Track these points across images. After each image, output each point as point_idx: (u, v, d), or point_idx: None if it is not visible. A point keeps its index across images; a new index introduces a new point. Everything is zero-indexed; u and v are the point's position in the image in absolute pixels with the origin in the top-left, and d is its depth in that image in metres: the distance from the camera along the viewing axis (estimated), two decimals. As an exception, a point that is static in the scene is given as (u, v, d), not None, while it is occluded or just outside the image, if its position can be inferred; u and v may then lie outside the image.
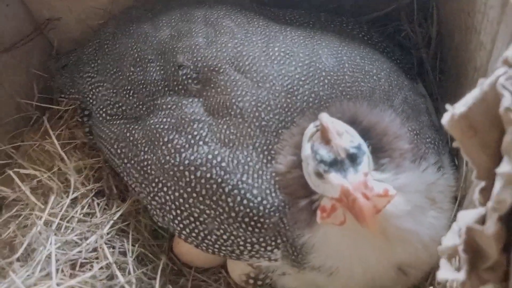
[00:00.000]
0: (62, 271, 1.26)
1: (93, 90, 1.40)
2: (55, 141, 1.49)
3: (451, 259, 0.86)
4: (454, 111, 0.71)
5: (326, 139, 0.91)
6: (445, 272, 0.77)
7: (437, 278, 0.75)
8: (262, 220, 1.07)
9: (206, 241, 1.15)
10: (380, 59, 1.20)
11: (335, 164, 0.90)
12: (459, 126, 0.72)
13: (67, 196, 1.42)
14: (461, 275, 0.76)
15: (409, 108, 1.13)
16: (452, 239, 0.82)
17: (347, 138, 0.92)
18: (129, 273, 1.27)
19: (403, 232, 0.99)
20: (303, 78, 1.12)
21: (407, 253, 1.01)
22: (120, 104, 1.32)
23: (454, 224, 0.83)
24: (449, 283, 0.99)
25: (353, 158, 0.90)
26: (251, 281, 1.20)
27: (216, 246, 1.14)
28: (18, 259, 1.31)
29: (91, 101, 1.41)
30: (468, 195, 1.07)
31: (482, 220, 0.76)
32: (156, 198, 1.19)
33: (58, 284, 1.21)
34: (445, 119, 0.72)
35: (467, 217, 0.79)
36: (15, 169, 1.48)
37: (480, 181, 0.76)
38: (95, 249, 1.31)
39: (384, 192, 0.92)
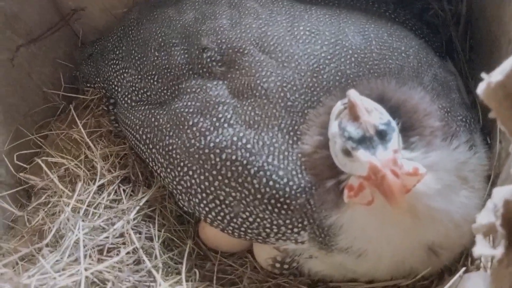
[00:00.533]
0: (90, 256, 1.27)
1: (118, 77, 1.41)
2: (82, 129, 1.51)
3: (486, 238, 0.83)
4: (490, 79, 0.68)
5: (354, 116, 0.89)
6: (482, 248, 0.74)
7: (473, 254, 0.73)
8: (288, 201, 1.06)
9: (232, 224, 1.14)
10: (408, 36, 1.17)
11: (364, 141, 0.88)
12: (495, 95, 0.69)
13: (94, 183, 1.43)
14: (499, 251, 0.73)
15: (439, 86, 1.10)
16: (487, 216, 0.79)
17: (376, 114, 0.90)
18: (156, 257, 1.27)
19: (433, 211, 0.96)
20: (329, 57, 1.10)
21: (437, 233, 0.99)
22: (145, 89, 1.32)
23: (489, 201, 0.81)
24: (484, 262, 0.96)
25: (382, 135, 0.88)
26: (278, 265, 1.19)
27: (242, 229, 1.13)
28: (47, 245, 1.32)
29: (116, 88, 1.41)
30: (502, 174, 1.03)
31: (520, 194, 0.73)
32: (182, 182, 1.19)
33: (86, 269, 1.22)
34: (481, 88, 0.69)
35: (503, 192, 0.76)
36: (43, 158, 1.50)
37: (517, 153, 0.74)
38: (122, 235, 1.31)
39: (414, 171, 0.89)
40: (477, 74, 1.29)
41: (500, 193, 0.75)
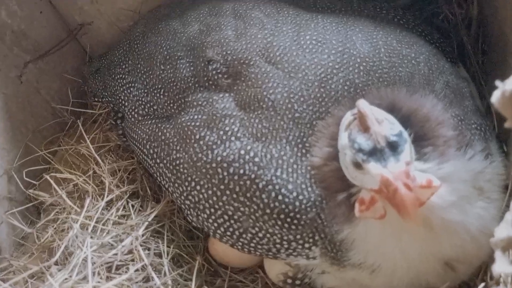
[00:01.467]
0: (99, 274, 1.25)
1: (125, 92, 1.40)
2: (90, 144, 1.50)
3: (506, 252, 0.79)
4: (505, 87, 0.65)
5: (364, 127, 0.86)
6: (501, 265, 0.71)
7: (493, 272, 0.69)
8: (298, 216, 1.03)
9: (241, 239, 1.11)
10: (418, 42, 1.14)
11: (375, 153, 0.85)
12: (511, 104, 0.66)
13: (102, 199, 1.42)
14: (518, 268, 0.70)
15: (451, 93, 1.07)
16: (506, 230, 0.76)
17: (387, 125, 0.87)
18: (165, 274, 1.25)
19: (449, 224, 0.93)
20: (337, 66, 1.08)
21: (454, 246, 0.95)
22: (152, 103, 1.31)
23: (508, 213, 0.77)
24: (504, 277, 0.92)
25: (393, 147, 0.85)
26: (289, 280, 1.16)
27: (252, 244, 1.11)
28: (56, 263, 1.31)
29: (123, 102, 1.40)
30: (520, 183, 0.99)
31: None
32: (189, 197, 1.17)
33: (94, 287, 1.20)
34: (495, 97, 0.66)
35: (522, 204, 0.73)
36: (52, 174, 1.50)
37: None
38: (130, 251, 1.29)
39: (428, 183, 0.86)
40: (490, 79, 1.26)
41: (519, 205, 0.72)
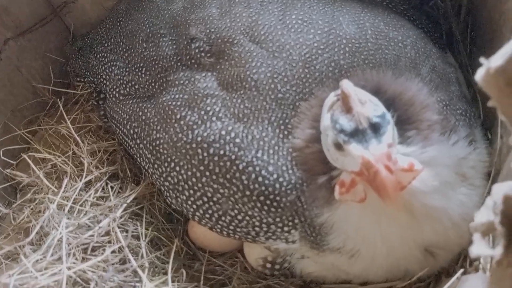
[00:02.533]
0: (74, 255, 1.22)
1: (106, 70, 1.36)
2: (69, 125, 1.47)
3: (485, 237, 0.78)
4: (489, 65, 0.63)
5: (347, 107, 0.84)
6: (479, 248, 0.69)
7: (470, 254, 0.68)
8: (278, 198, 1.01)
9: (221, 222, 1.09)
10: (406, 25, 1.12)
11: (356, 134, 0.83)
12: (495, 82, 0.64)
13: (81, 180, 1.38)
14: (497, 251, 0.68)
15: (437, 77, 1.05)
16: (487, 214, 0.74)
17: (370, 106, 0.85)
18: (142, 256, 1.22)
19: (430, 209, 0.91)
20: (322, 47, 1.06)
21: (435, 232, 0.94)
22: (133, 83, 1.28)
23: (488, 198, 0.76)
24: (483, 264, 0.91)
25: (376, 128, 0.83)
26: (269, 265, 1.14)
27: (231, 227, 1.08)
28: (31, 243, 1.28)
29: (104, 81, 1.37)
30: (503, 170, 0.98)
31: (521, 190, 0.68)
32: (169, 178, 1.14)
33: (68, 268, 1.17)
34: (480, 74, 0.64)
35: (503, 188, 0.71)
36: (31, 154, 1.46)
37: (518, 145, 0.69)
38: (107, 233, 1.27)
39: (409, 167, 0.85)
40: (478, 67, 1.24)
41: (500, 190, 0.70)
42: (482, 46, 1.24)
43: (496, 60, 0.63)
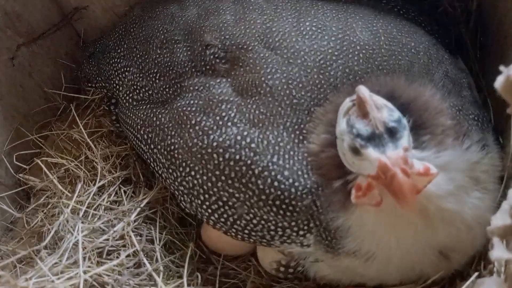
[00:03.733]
0: (89, 258, 1.24)
1: (120, 76, 1.38)
2: (82, 129, 1.48)
3: (502, 240, 0.79)
4: (509, 72, 0.65)
5: (363, 112, 0.86)
6: (499, 252, 0.71)
7: (490, 258, 0.69)
8: (294, 202, 1.02)
9: (235, 226, 1.10)
10: (418, 32, 1.14)
11: (373, 138, 0.85)
12: (515, 89, 0.66)
13: (94, 184, 1.40)
14: (516, 256, 0.70)
15: (450, 83, 1.07)
16: (502, 218, 0.76)
17: (386, 111, 0.87)
18: (157, 260, 1.24)
19: (445, 213, 0.93)
20: (336, 53, 1.07)
21: (449, 235, 0.95)
22: (147, 88, 1.29)
23: (504, 202, 0.77)
24: (497, 267, 0.92)
25: (392, 133, 0.85)
26: (282, 268, 1.15)
27: (246, 231, 1.10)
28: (45, 247, 1.29)
29: (117, 87, 1.38)
30: (516, 174, 1.00)
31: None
32: (184, 183, 1.16)
33: (85, 272, 1.19)
34: (499, 82, 0.65)
35: (520, 192, 0.73)
36: (43, 158, 1.47)
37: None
38: (122, 237, 1.28)
39: (425, 171, 0.86)
40: (487, 72, 1.26)
41: (516, 194, 0.72)
42: (492, 51, 1.26)
43: (515, 68, 0.64)
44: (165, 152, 1.19)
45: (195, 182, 1.13)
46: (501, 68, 0.64)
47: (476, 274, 0.93)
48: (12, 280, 1.18)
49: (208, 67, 1.18)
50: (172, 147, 1.17)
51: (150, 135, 1.24)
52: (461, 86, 1.10)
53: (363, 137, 0.85)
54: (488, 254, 0.70)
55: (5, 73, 1.47)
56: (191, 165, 1.13)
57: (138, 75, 1.32)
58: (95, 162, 1.44)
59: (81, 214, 1.33)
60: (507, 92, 0.65)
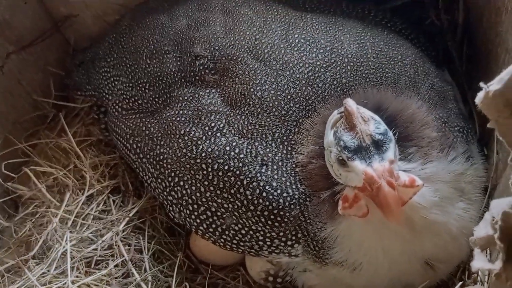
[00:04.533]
0: (78, 268, 1.24)
1: (109, 85, 1.38)
2: (71, 138, 1.48)
3: (484, 250, 0.81)
4: (489, 88, 0.67)
5: (350, 125, 0.88)
6: (480, 262, 0.72)
7: (472, 268, 0.71)
8: (282, 213, 1.03)
9: (224, 236, 1.11)
10: (405, 45, 1.17)
11: (360, 151, 0.86)
12: (494, 105, 0.68)
13: (83, 193, 1.40)
14: (497, 266, 0.71)
15: (436, 95, 1.09)
16: (485, 228, 0.78)
17: (372, 124, 0.88)
18: (145, 270, 1.24)
19: (430, 224, 0.95)
20: (324, 65, 1.09)
21: (435, 246, 0.97)
22: (136, 98, 1.30)
23: (487, 213, 0.79)
24: (481, 277, 0.94)
25: (378, 145, 0.87)
26: (271, 278, 1.16)
27: (234, 241, 1.11)
28: (34, 257, 1.29)
29: (107, 96, 1.39)
30: (499, 185, 1.01)
31: (519, 207, 0.71)
32: (172, 193, 1.16)
33: (73, 282, 1.19)
34: (479, 98, 0.67)
35: (502, 204, 0.74)
36: (32, 167, 1.47)
37: (516, 164, 0.72)
38: (110, 247, 1.29)
39: (410, 182, 0.88)
40: (474, 84, 1.28)
41: (498, 205, 0.74)
42: (478, 64, 1.28)
43: (495, 85, 0.66)
44: (154, 162, 1.20)
45: (184, 192, 1.13)
46: (481, 84, 0.66)
47: (460, 283, 0.94)
48: (0, 290, 1.18)
49: (197, 77, 1.19)
50: (161, 157, 1.18)
51: (139, 145, 1.24)
52: (446, 99, 1.12)
53: (350, 150, 0.86)
54: (470, 264, 0.72)
55: (-6, 80, 1.47)
56: (180, 175, 1.14)
57: (127, 84, 1.33)
58: (84, 171, 1.44)
59: (69, 223, 1.33)
60: (487, 107, 0.67)
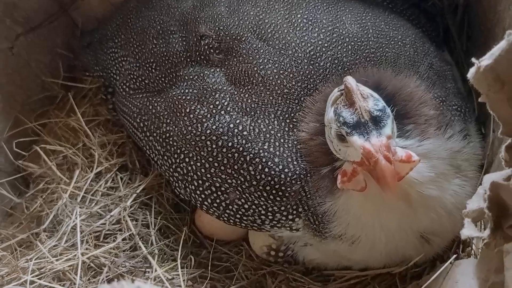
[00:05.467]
0: (87, 241, 1.29)
1: (117, 65, 1.41)
2: (80, 117, 1.51)
3: (476, 223, 0.84)
4: (480, 64, 0.69)
5: (350, 102, 0.90)
6: (469, 230, 0.76)
7: (461, 236, 0.74)
8: (283, 188, 1.06)
9: (228, 211, 1.14)
10: (405, 25, 1.18)
11: (358, 126, 0.89)
12: (485, 79, 0.70)
13: (92, 171, 1.44)
14: (485, 234, 0.75)
15: (434, 75, 1.11)
16: (477, 201, 0.81)
17: (371, 101, 0.91)
18: (152, 244, 1.29)
19: (426, 198, 0.97)
20: (326, 45, 1.11)
21: (430, 220, 1.00)
22: (143, 77, 1.33)
23: (480, 187, 0.82)
24: (475, 249, 0.97)
25: (377, 121, 0.89)
26: (273, 252, 1.20)
27: (238, 216, 1.14)
28: (44, 231, 1.34)
29: (114, 76, 1.42)
30: (494, 162, 1.04)
31: (508, 179, 0.74)
32: (178, 169, 1.19)
33: (83, 254, 1.23)
34: (471, 73, 0.70)
35: (492, 176, 0.77)
36: (42, 145, 1.50)
37: (506, 138, 0.74)
38: (118, 221, 1.33)
39: (407, 158, 0.91)
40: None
41: (489, 179, 0.77)
42: (477, 43, 1.30)
43: (485, 60, 0.69)
44: (161, 140, 1.23)
45: (189, 168, 1.17)
46: (473, 60, 0.68)
47: (454, 256, 0.97)
48: (14, 261, 1.22)
49: (202, 57, 1.22)
50: (167, 135, 1.21)
51: (146, 123, 1.28)
52: (445, 78, 1.14)
53: (349, 125, 0.89)
54: (460, 233, 0.75)
55: (4, 62, 1.49)
56: (185, 152, 1.17)
57: (134, 64, 1.36)
58: (93, 150, 1.47)
59: (79, 199, 1.37)
60: (478, 82, 0.70)
